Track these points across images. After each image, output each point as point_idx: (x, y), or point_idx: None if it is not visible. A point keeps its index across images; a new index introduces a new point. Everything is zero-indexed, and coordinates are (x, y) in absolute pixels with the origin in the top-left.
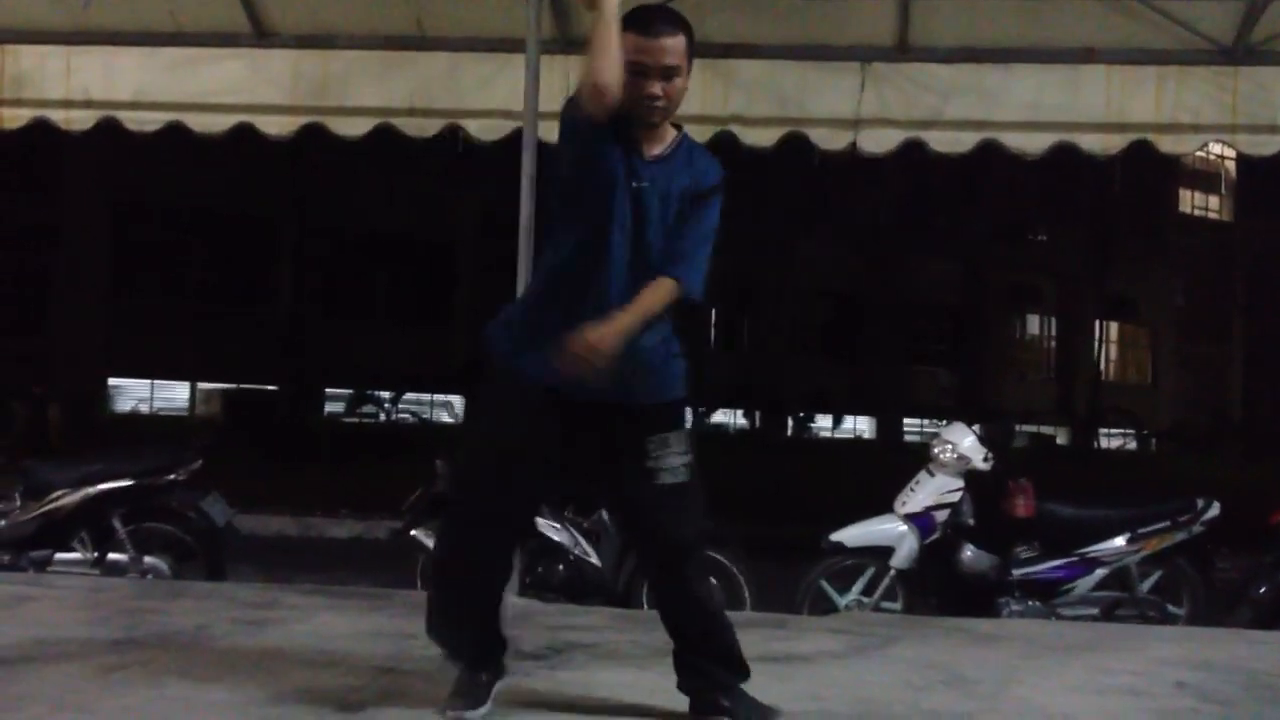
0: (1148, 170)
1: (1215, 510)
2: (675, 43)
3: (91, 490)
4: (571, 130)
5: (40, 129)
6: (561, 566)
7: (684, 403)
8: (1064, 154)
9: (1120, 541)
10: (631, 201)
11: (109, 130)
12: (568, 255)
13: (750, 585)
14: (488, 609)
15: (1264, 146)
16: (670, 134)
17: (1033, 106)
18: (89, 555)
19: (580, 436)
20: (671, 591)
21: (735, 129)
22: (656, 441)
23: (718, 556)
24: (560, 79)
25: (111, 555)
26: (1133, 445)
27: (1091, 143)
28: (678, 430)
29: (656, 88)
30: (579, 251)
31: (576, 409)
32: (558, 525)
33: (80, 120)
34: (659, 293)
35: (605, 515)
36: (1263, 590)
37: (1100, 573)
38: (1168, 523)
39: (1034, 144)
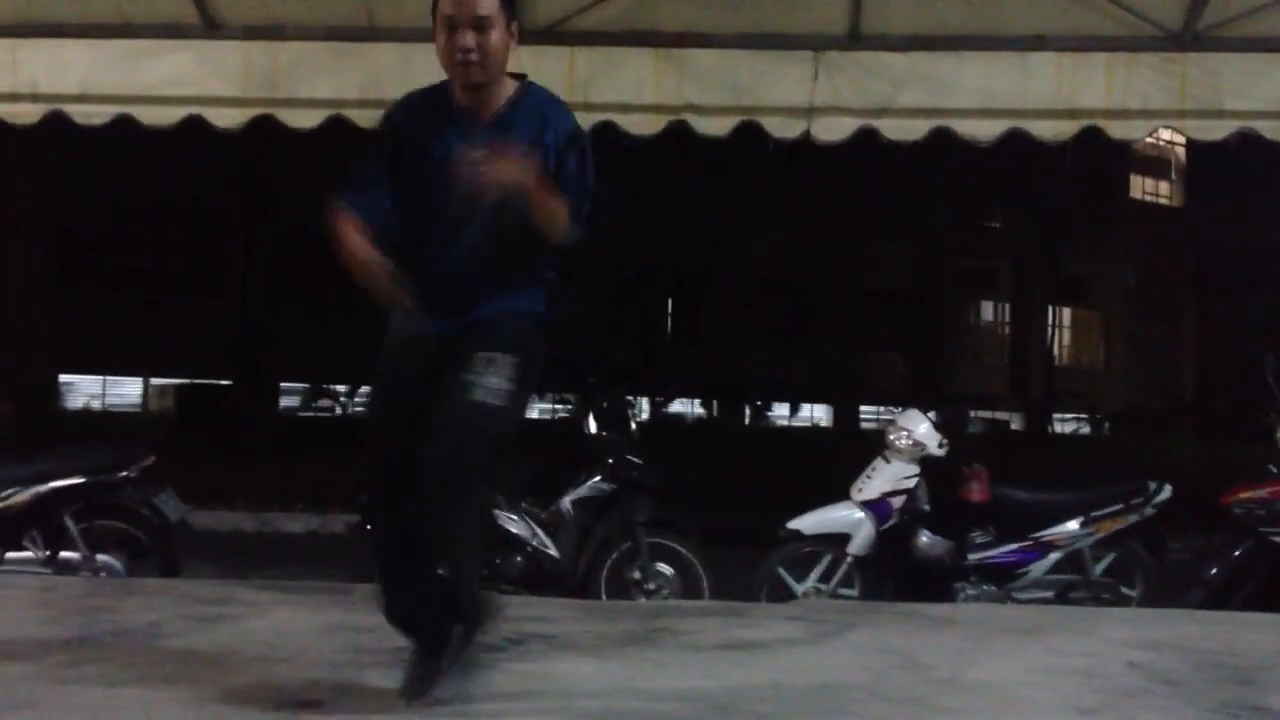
0: (1099, 156)
1: (1167, 493)
2: None
3: (42, 488)
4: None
5: None
6: (519, 558)
7: (528, 328)
8: (1016, 140)
9: (1074, 525)
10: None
11: (55, 122)
12: (411, 229)
13: (708, 573)
14: (426, 578)
15: (1212, 131)
16: (506, 91)
17: (984, 94)
18: (40, 554)
19: (438, 368)
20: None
21: (689, 118)
22: (484, 359)
23: (675, 545)
24: (514, 69)
25: (63, 553)
26: (1086, 429)
27: (1043, 129)
28: (510, 355)
29: (469, 38)
30: (422, 224)
31: (436, 345)
32: (515, 517)
33: (27, 114)
34: (555, 207)
35: (564, 506)
36: (1214, 571)
37: (1054, 556)
38: (1120, 505)
39: (986, 131)
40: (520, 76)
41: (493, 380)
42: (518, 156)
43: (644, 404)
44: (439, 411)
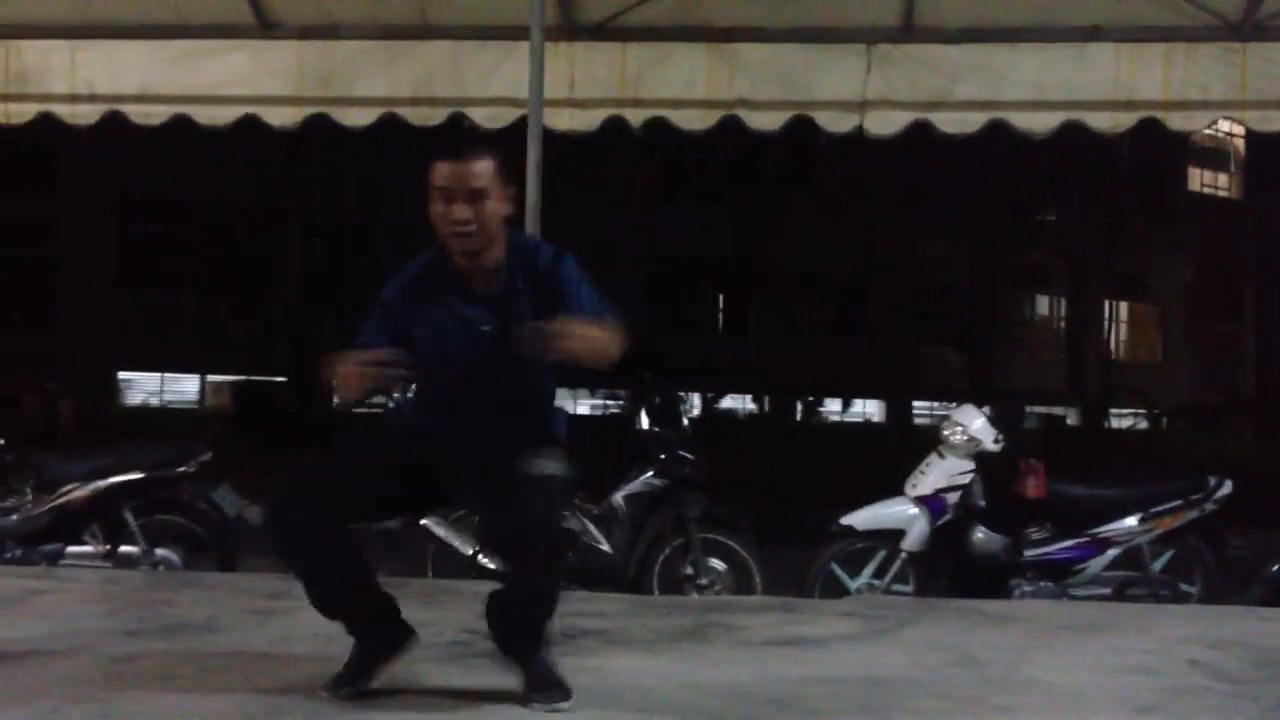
0: (1156, 148)
1: (1227, 488)
2: (482, 166)
3: (102, 484)
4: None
5: (45, 123)
6: (572, 554)
7: (559, 439)
8: (1072, 133)
9: (1132, 521)
10: (485, 345)
11: (114, 123)
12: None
13: (760, 569)
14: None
15: (1273, 123)
16: (497, 255)
17: (1040, 86)
18: (100, 548)
19: (437, 464)
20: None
21: (741, 113)
22: (529, 452)
23: (727, 541)
24: (565, 66)
25: (123, 548)
26: (1144, 424)
27: (1100, 121)
28: (556, 450)
29: (465, 210)
30: (438, 377)
31: (446, 443)
32: (567, 513)
33: (85, 114)
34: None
35: (616, 501)
36: (1275, 568)
37: (1112, 553)
38: (1180, 501)
39: (1042, 123)
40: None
41: (549, 464)
42: (583, 329)
43: (695, 400)
44: (513, 489)
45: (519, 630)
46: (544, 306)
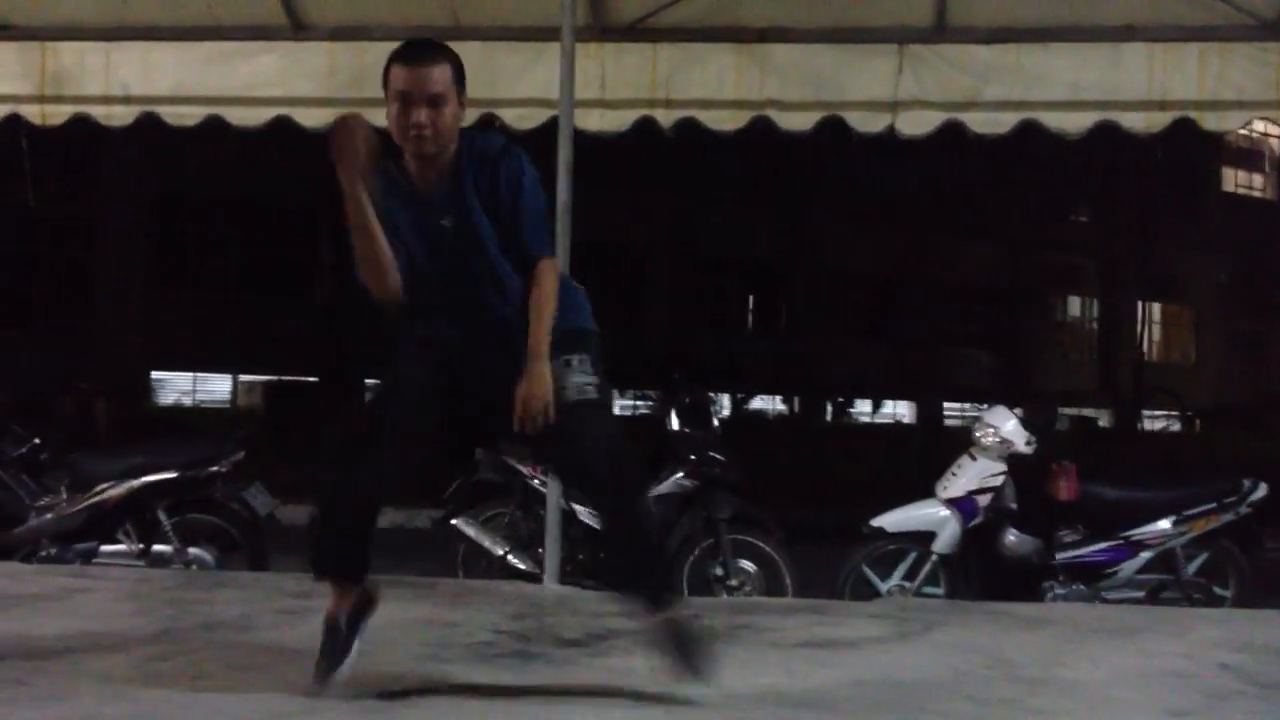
0: (1190, 148)
1: (1262, 491)
2: (440, 71)
3: (136, 483)
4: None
5: (80, 124)
6: (602, 554)
7: (587, 333)
8: (1105, 133)
9: (1165, 524)
10: (442, 236)
11: (148, 124)
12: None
13: (790, 570)
14: (357, 524)
15: None
16: (448, 157)
17: (1073, 86)
18: (134, 547)
19: (470, 379)
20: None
21: (771, 114)
22: (558, 363)
23: (757, 542)
24: (595, 66)
25: (156, 547)
26: (1177, 426)
27: (1133, 121)
28: (580, 354)
29: (423, 115)
30: (419, 283)
31: (456, 345)
32: (597, 512)
33: (120, 116)
34: (546, 285)
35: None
36: None
37: (1145, 556)
38: (1214, 504)
39: (1074, 123)
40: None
41: (577, 381)
42: (540, 393)
43: (725, 400)
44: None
45: (640, 570)
46: (489, 202)
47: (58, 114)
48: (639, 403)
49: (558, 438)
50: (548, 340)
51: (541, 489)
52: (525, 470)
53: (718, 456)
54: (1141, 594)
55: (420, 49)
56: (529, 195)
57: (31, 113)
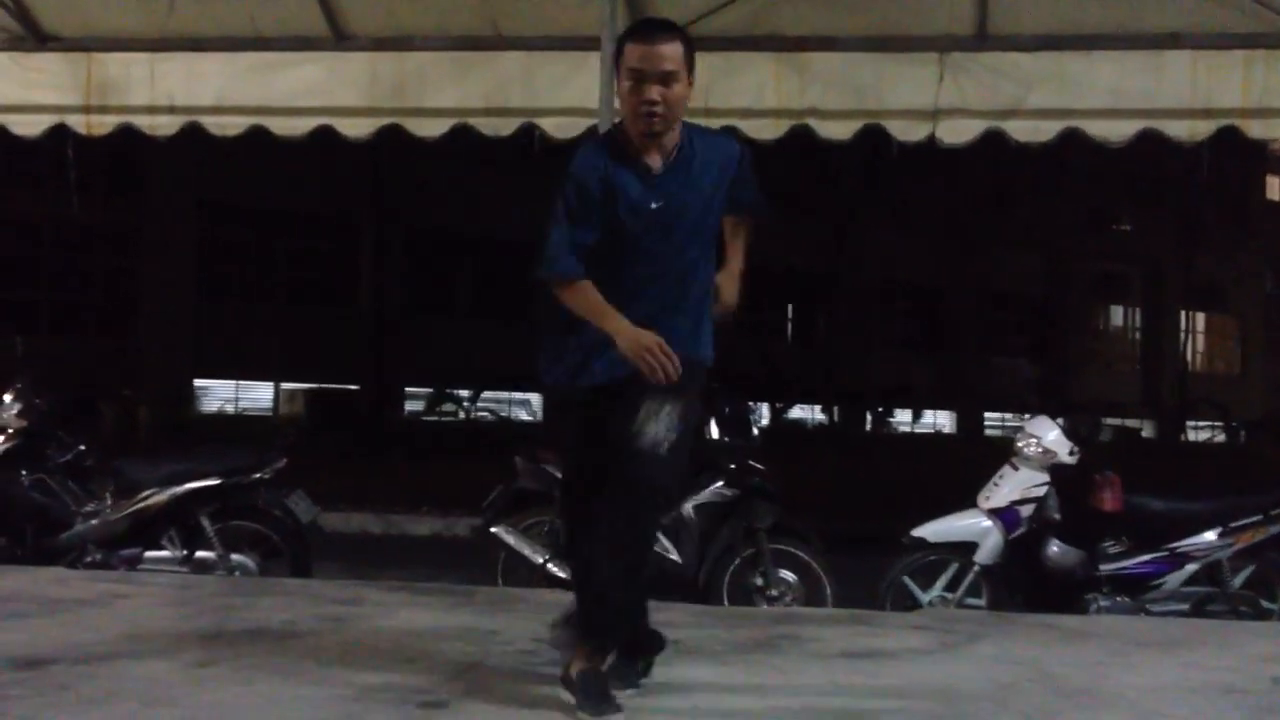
0: (1235, 156)
1: None
2: (672, 49)
3: (180, 489)
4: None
5: (126, 135)
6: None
7: (697, 365)
8: (1148, 141)
9: (1211, 536)
10: (648, 222)
11: (192, 134)
12: (600, 281)
13: (831, 580)
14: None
15: None
16: (675, 139)
17: (1116, 94)
18: (178, 553)
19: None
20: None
21: (812, 122)
22: (651, 406)
23: (797, 552)
24: None
25: (200, 553)
26: (1222, 437)
27: (1177, 129)
28: (677, 403)
29: (655, 92)
30: (608, 278)
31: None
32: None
33: (165, 126)
34: (748, 232)
35: (686, 511)
36: None
37: (1191, 568)
38: (1260, 516)
39: (1117, 132)
40: None
41: (666, 419)
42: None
43: (765, 410)
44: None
45: (601, 607)
46: (722, 190)
47: (103, 124)
48: None
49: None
50: (737, 270)
51: None
52: None
53: (757, 466)
54: (1187, 606)
55: (653, 26)
56: (755, 189)
57: (77, 123)
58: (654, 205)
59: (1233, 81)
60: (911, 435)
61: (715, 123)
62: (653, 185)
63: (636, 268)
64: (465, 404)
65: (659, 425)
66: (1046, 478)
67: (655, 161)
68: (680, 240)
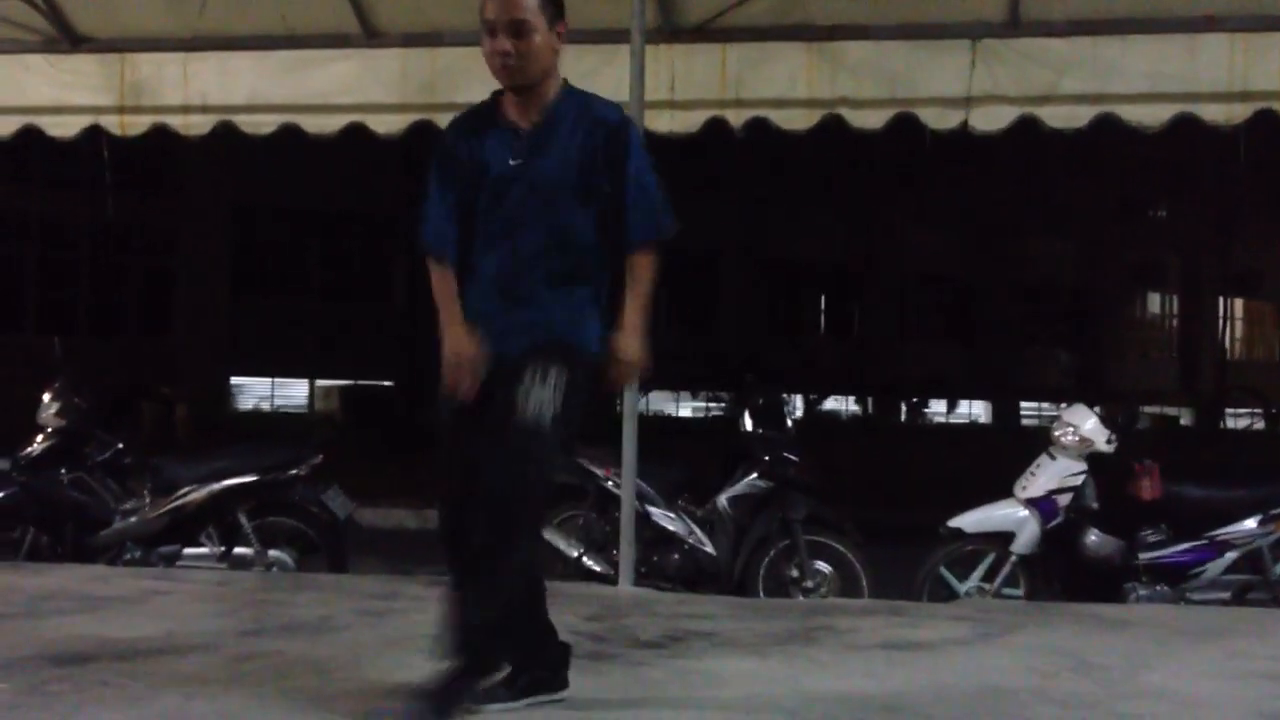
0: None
1: None
2: None
3: (217, 486)
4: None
5: (160, 134)
6: (677, 556)
7: (585, 355)
8: (1185, 126)
9: (1251, 523)
10: (511, 177)
11: (225, 133)
12: (474, 249)
13: (867, 571)
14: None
15: None
16: (551, 95)
17: (1151, 77)
18: (216, 549)
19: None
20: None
21: (843, 112)
22: (535, 372)
23: (833, 543)
24: (665, 69)
25: (237, 549)
26: (1261, 424)
27: (1214, 113)
28: (564, 371)
29: (506, 44)
30: (480, 243)
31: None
32: (672, 515)
33: (198, 125)
34: (641, 272)
35: (721, 503)
36: None
37: (1231, 556)
38: None
39: (1153, 116)
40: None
41: (543, 394)
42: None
43: (799, 402)
44: (491, 434)
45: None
46: (597, 160)
47: (137, 124)
48: (712, 404)
49: (477, 426)
50: (643, 311)
51: (615, 491)
52: (599, 472)
53: (792, 457)
54: (1227, 595)
55: None
56: (644, 170)
57: (112, 123)
58: (512, 162)
59: (1271, 63)
60: (946, 426)
61: (747, 114)
62: (517, 144)
63: (493, 224)
64: None
65: (529, 401)
66: (1084, 466)
67: (525, 122)
68: (544, 199)
